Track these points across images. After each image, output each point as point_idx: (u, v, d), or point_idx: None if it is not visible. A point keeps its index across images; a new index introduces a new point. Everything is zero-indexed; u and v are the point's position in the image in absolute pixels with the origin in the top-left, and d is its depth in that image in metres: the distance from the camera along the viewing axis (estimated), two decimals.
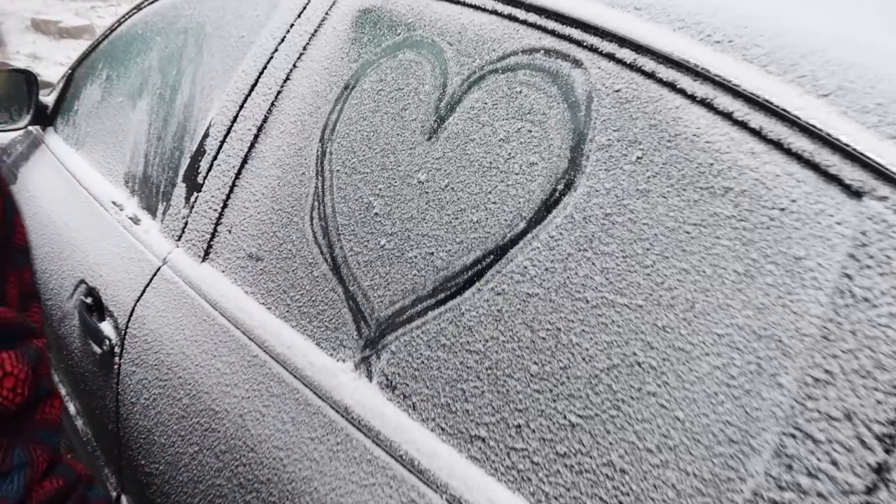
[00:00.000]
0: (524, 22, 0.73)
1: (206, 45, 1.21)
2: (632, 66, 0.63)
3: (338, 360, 0.77)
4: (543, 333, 0.61)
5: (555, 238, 0.62)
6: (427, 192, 0.74)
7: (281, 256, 0.88)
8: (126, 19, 1.58)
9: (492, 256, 0.66)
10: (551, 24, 0.71)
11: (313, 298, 0.82)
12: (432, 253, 0.71)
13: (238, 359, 0.86)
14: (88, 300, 1.23)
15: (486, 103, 0.72)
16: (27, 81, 1.70)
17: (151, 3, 1.50)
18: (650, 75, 0.62)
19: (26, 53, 8.14)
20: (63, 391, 1.47)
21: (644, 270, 0.57)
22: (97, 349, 1.16)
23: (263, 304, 0.89)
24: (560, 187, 0.64)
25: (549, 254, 0.62)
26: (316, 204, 0.86)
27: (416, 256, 0.72)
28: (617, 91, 0.63)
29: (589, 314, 0.59)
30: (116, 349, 1.10)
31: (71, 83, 1.77)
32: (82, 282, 1.26)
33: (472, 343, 0.65)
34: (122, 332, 1.09)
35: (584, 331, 0.59)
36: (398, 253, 0.74)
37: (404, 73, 0.82)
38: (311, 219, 0.86)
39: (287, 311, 0.85)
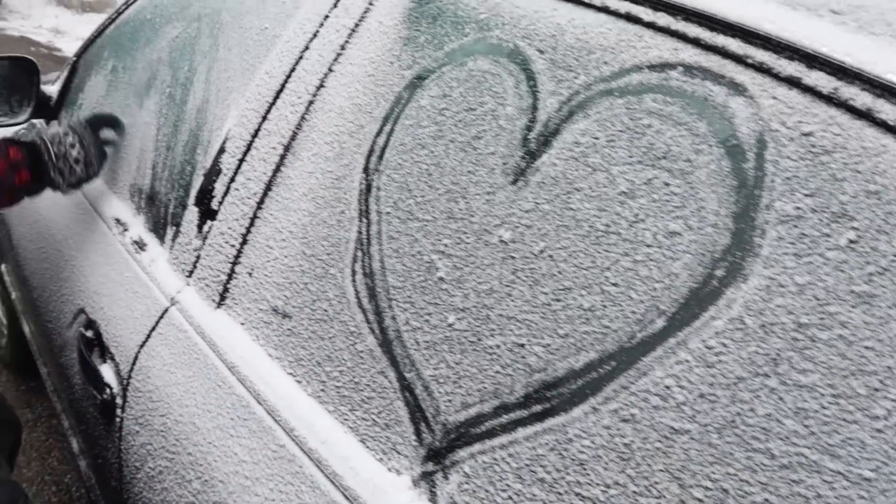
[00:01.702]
0: (651, 25, 0.53)
1: (222, 37, 1.01)
2: (831, 99, 0.43)
3: (389, 470, 0.59)
4: (700, 494, 0.42)
5: (715, 351, 0.43)
6: (514, 258, 0.54)
7: (314, 317, 0.70)
8: (132, 3, 1.39)
9: (613, 363, 0.47)
10: (694, 31, 0.51)
11: (356, 380, 0.64)
12: (523, 345, 0.52)
13: (260, 445, 0.69)
14: (88, 333, 1.06)
15: (596, 138, 0.53)
16: (28, 70, 1.52)
17: None
18: (864, 114, 0.42)
19: (49, 27, 7.99)
20: (66, 423, 1.31)
21: (870, 423, 0.37)
22: (96, 394, 1.00)
23: (292, 374, 0.71)
24: (720, 274, 0.44)
25: (706, 373, 0.43)
26: (359, 254, 0.67)
27: (498, 346, 0.54)
28: (807, 135, 0.43)
29: (776, 476, 0.40)
30: (118, 400, 0.94)
31: (76, 72, 1.59)
32: (82, 311, 1.09)
33: (587, 486, 0.47)
34: (125, 381, 0.92)
35: (768, 501, 0.40)
36: (473, 337, 0.55)
37: (477, 87, 0.63)
38: (354, 273, 0.67)
39: (322, 391, 0.67)
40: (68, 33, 7.94)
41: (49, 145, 1.04)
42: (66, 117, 1.60)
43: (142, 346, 0.91)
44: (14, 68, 1.52)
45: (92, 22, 8.36)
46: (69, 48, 7.32)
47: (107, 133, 1.16)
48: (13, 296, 1.78)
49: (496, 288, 0.55)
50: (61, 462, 1.91)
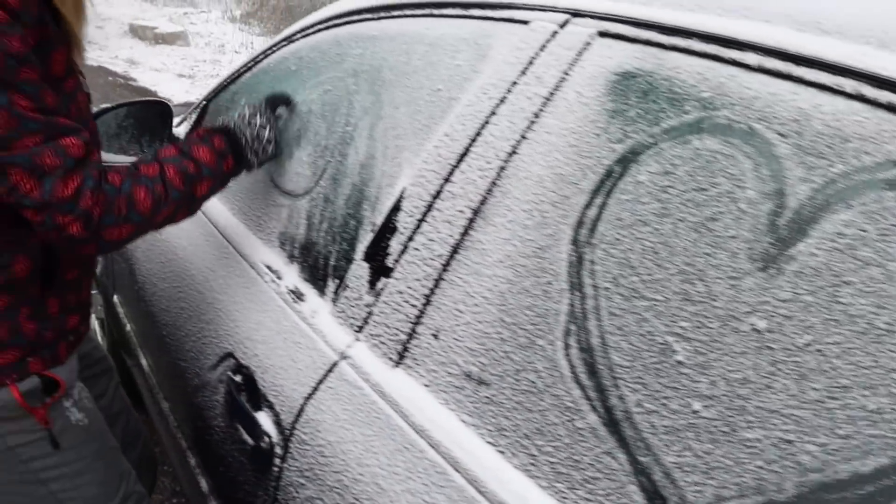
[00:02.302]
0: None
1: (385, 95, 1.04)
2: None
3: None
4: None
5: None
6: (772, 348, 0.54)
7: (519, 388, 0.70)
8: (273, 51, 1.44)
9: None
10: None
11: (576, 457, 0.63)
12: (791, 441, 0.51)
13: None
14: (238, 378, 1.08)
15: (864, 231, 0.52)
16: (162, 113, 1.58)
17: (305, 35, 1.35)
18: None
19: (124, 58, 8.34)
20: (192, 461, 1.33)
21: None
22: (248, 440, 1.01)
23: (493, 444, 0.71)
24: None
25: None
26: (573, 328, 0.67)
27: (759, 440, 0.52)
28: None
29: None
30: (277, 449, 0.95)
31: (205, 115, 1.65)
32: (230, 355, 1.12)
33: None
34: (287, 432, 0.93)
35: None
36: (726, 427, 0.54)
37: (706, 167, 0.62)
38: (567, 347, 0.67)
39: (532, 464, 0.67)
40: (142, 64, 8.27)
41: (245, 129, 1.09)
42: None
43: (308, 398, 0.92)
44: (148, 110, 1.58)
45: (164, 53, 8.71)
46: (143, 78, 7.62)
47: (281, 111, 1.22)
48: (127, 328, 1.83)
49: (752, 378, 0.54)
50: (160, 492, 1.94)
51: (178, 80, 7.94)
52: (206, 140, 1.05)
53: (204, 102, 1.68)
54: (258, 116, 1.12)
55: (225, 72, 8.81)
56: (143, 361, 1.68)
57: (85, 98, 1.00)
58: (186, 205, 1.02)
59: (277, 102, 1.21)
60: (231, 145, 1.07)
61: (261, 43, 10.44)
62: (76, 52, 0.98)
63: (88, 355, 1.26)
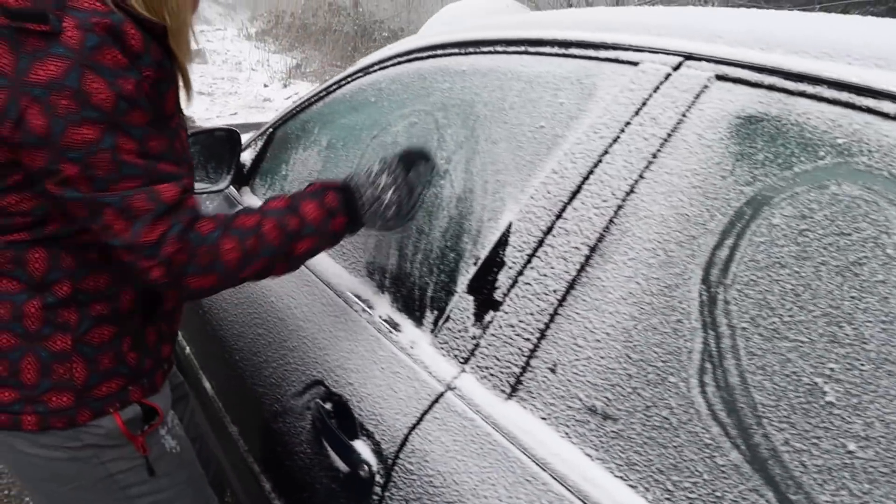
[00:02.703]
0: None
1: (481, 129, 1.06)
2: None
3: None
4: None
5: None
6: None
7: (650, 423, 0.71)
8: (347, 82, 1.47)
9: None
10: None
11: (718, 493, 0.64)
12: None
13: None
14: (328, 406, 1.10)
15: None
16: (230, 140, 1.62)
17: (383, 67, 1.38)
18: None
19: None
20: (266, 486, 1.35)
21: None
22: (342, 467, 1.03)
23: (623, 478, 0.72)
24: None
25: None
26: (709, 366, 0.68)
27: None
28: None
29: None
30: (378, 478, 0.96)
31: (272, 142, 1.68)
32: (320, 383, 1.13)
33: None
34: (390, 461, 0.95)
35: None
36: (885, 468, 0.56)
37: (847, 212, 0.64)
38: (703, 385, 0.68)
39: (669, 499, 0.68)
40: None
41: (360, 189, 1.03)
42: (261, 184, 1.68)
43: (412, 428, 0.93)
44: (216, 138, 1.61)
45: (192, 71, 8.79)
46: None
47: (420, 169, 1.08)
48: (187, 350, 1.85)
49: None
50: None
51: (198, 98, 8.04)
52: (318, 195, 1.00)
53: (270, 129, 1.71)
54: (384, 175, 1.04)
55: (243, 88, 8.95)
56: (206, 385, 1.70)
57: (185, 134, 1.02)
58: (284, 260, 0.98)
59: (413, 159, 1.08)
60: (346, 203, 1.02)
61: (278, 60, 10.58)
62: (186, 90, 1.01)
63: (169, 381, 1.28)
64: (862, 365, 0.59)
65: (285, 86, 9.39)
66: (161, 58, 0.89)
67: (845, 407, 0.59)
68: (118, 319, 0.99)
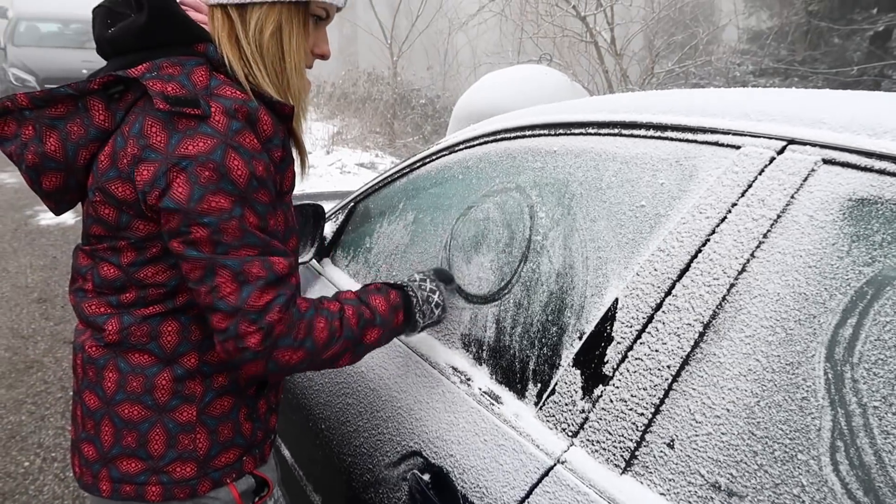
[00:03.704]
0: None
1: (578, 208, 1.11)
2: None
3: None
4: None
5: None
6: None
7: (779, 501, 0.72)
8: (433, 159, 1.54)
9: None
10: None
11: None
12: None
13: None
14: (426, 477, 1.12)
15: None
16: (315, 215, 1.69)
17: (469, 146, 1.45)
18: None
19: None
20: None
21: None
22: None
23: None
24: None
25: None
26: (840, 444, 0.69)
27: None
28: None
29: None
30: None
31: (353, 216, 1.75)
32: (417, 454, 1.16)
33: None
34: None
35: None
36: None
37: None
38: (835, 463, 0.69)
39: None
40: None
41: (416, 290, 1.16)
42: (342, 256, 1.74)
43: (521, 501, 0.95)
44: (301, 213, 1.69)
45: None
46: None
47: (450, 286, 1.27)
48: None
49: None
50: None
51: None
52: (383, 292, 1.11)
53: (351, 203, 1.79)
54: (427, 282, 1.19)
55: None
56: (284, 453, 1.72)
57: (293, 210, 1.09)
58: (353, 347, 1.04)
59: (443, 277, 1.26)
60: (404, 301, 1.13)
61: (319, 128, 10.95)
62: (301, 168, 1.09)
63: None
64: None
65: (328, 152, 9.69)
66: (285, 138, 0.98)
67: None
68: (236, 390, 1.04)
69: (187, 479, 1.00)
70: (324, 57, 1.08)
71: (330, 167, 8.84)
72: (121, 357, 0.98)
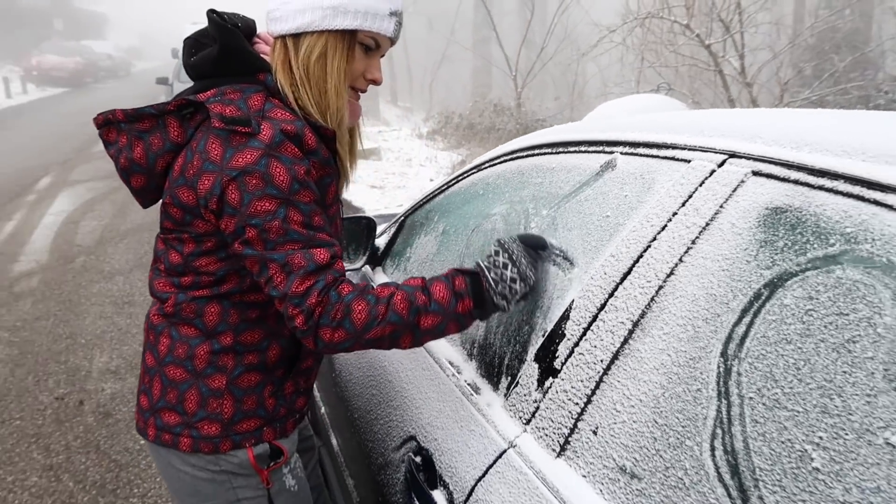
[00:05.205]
0: None
1: (560, 218, 1.20)
2: None
3: None
4: None
5: None
6: None
7: (667, 483, 0.77)
8: (465, 177, 1.67)
9: None
10: None
11: None
12: None
13: None
14: (417, 459, 1.23)
15: None
16: (367, 227, 1.86)
17: (492, 165, 1.56)
18: None
19: None
20: None
21: None
22: None
23: None
24: None
25: None
26: (719, 432, 0.74)
27: None
28: None
29: None
30: None
31: (402, 228, 1.91)
32: (412, 438, 1.27)
33: None
34: None
35: None
36: None
37: (847, 294, 0.70)
38: (713, 449, 0.74)
39: None
40: None
41: (490, 270, 1.10)
42: (390, 265, 1.90)
43: (479, 480, 1.04)
44: (356, 224, 1.87)
45: (360, 167, 9.69)
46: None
47: (537, 249, 1.16)
48: (322, 410, 2.07)
49: (883, 488, 0.59)
50: None
51: (370, 191, 8.80)
52: (449, 279, 1.10)
53: (402, 218, 1.95)
54: (501, 254, 1.11)
55: (411, 183, 9.69)
56: (334, 442, 1.89)
57: (340, 223, 1.25)
58: (407, 331, 1.07)
59: (531, 241, 1.16)
60: (473, 287, 1.10)
61: (445, 157, 11.32)
62: (344, 185, 1.25)
63: (300, 431, 1.49)
64: (846, 435, 0.64)
65: None
66: (328, 156, 1.15)
67: (828, 473, 0.63)
68: (264, 369, 1.21)
69: (212, 436, 1.18)
70: (375, 82, 1.23)
71: None
72: (173, 327, 1.19)
